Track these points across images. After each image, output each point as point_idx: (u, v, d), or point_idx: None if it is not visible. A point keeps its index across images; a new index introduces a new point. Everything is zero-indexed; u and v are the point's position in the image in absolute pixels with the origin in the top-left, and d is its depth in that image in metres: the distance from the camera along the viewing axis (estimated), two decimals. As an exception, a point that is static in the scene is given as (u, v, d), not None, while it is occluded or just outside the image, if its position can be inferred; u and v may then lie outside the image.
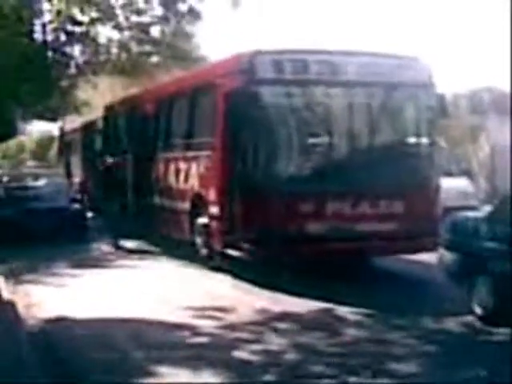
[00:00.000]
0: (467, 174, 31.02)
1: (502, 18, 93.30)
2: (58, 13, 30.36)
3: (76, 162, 35.13)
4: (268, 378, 8.91)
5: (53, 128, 62.29)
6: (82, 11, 30.95)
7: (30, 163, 61.54)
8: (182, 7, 30.57)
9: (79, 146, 36.09)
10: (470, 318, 11.34)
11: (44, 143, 63.87)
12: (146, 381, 8.81)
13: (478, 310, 11.31)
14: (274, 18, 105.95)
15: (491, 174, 35.00)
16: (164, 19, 31.65)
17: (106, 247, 21.04)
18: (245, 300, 13.24)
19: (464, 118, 37.46)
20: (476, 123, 38.20)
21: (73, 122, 44.93)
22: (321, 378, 8.76)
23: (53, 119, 50.70)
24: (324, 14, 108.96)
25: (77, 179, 33.66)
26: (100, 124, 29.84)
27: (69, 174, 34.39)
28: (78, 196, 25.25)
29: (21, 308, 12.36)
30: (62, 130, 43.72)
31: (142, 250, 20.35)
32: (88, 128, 34.85)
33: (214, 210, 16.00)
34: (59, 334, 11.03)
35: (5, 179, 26.48)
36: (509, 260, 10.67)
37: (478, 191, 30.48)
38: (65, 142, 39.71)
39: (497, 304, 10.96)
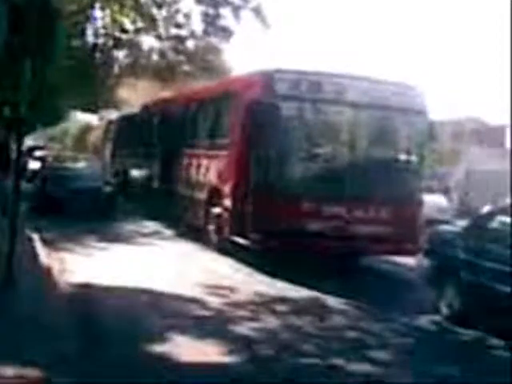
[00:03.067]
0: (445, 191, 31.03)
1: (485, 52, 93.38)
2: (114, 21, 30.45)
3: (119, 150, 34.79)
4: (262, 352, 8.89)
5: (92, 118, 62.34)
6: (131, 21, 31.05)
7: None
8: (217, 25, 30.77)
9: (115, 136, 35.99)
10: (437, 317, 11.31)
11: (84, 130, 63.82)
12: (155, 343, 8.79)
13: (445, 311, 11.29)
14: (295, 39, 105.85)
15: (465, 194, 35.05)
16: (202, 34, 31.83)
17: (131, 226, 20.97)
18: (247, 282, 13.23)
19: (446, 142, 37.54)
20: (456, 147, 38.30)
21: (111, 115, 45.00)
22: (309, 356, 8.75)
23: (94, 111, 50.98)
24: (335, 39, 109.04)
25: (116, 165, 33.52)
26: (136, 119, 29.84)
27: (114, 160, 34.24)
28: (112, 180, 25.18)
29: (55, 272, 12.34)
30: (108, 120, 43.70)
31: (162, 231, 20.29)
32: (124, 121, 34.78)
33: (228, 202, 16.00)
34: (87, 298, 11.01)
35: (49, 159, 26.45)
36: (474, 270, 10.68)
37: (452, 207, 30.50)
38: (107, 132, 39.64)
39: (461, 307, 10.96)
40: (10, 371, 6.70)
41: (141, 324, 9.69)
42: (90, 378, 6.86)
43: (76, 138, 71.65)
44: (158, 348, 8.59)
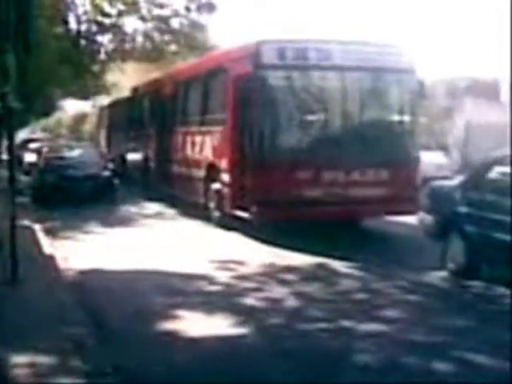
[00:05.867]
0: (443, 148, 31.03)
1: (477, 12, 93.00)
2: (95, 6, 30.41)
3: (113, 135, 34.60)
4: (272, 320, 8.95)
5: (85, 106, 62.26)
6: (111, 4, 30.98)
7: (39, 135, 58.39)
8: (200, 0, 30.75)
9: (108, 121, 35.97)
10: (443, 273, 11.36)
11: (78, 119, 63.65)
12: (164, 321, 8.85)
13: (452, 266, 11.33)
14: (276, 11, 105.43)
15: (465, 148, 35.03)
16: (184, 11, 31.75)
17: (132, 209, 21.01)
18: (251, 255, 13.24)
19: (441, 100, 37.50)
20: (451, 105, 38.24)
21: (103, 100, 44.98)
22: (318, 321, 8.80)
23: (85, 98, 50.99)
24: (318, 5, 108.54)
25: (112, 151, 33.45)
26: (127, 103, 29.85)
27: (109, 146, 34.19)
28: (109, 164, 25.13)
29: (59, 260, 12.36)
30: (100, 107, 43.65)
31: (163, 211, 20.34)
32: (115, 106, 34.79)
33: (226, 177, 16.03)
34: (92, 282, 11.06)
35: (45, 150, 26.33)
36: (478, 222, 10.72)
37: (452, 163, 30.49)
38: (100, 118, 39.57)
39: (467, 260, 11.00)
40: (22, 359, 6.76)
41: (149, 304, 9.72)
42: (103, 360, 6.92)
43: (70, 127, 71.59)
44: (168, 325, 8.65)
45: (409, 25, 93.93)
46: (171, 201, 20.95)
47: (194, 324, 8.66)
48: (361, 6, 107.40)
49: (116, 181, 23.65)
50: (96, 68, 35.79)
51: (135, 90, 28.51)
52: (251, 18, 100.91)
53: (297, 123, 14.91)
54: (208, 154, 17.49)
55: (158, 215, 19.63)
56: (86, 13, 31.65)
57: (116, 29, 33.20)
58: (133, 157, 26.86)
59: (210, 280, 11.14)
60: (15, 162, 11.25)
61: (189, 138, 19.27)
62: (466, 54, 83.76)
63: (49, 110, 46.58)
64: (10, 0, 9.78)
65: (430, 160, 23.23)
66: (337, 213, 14.64)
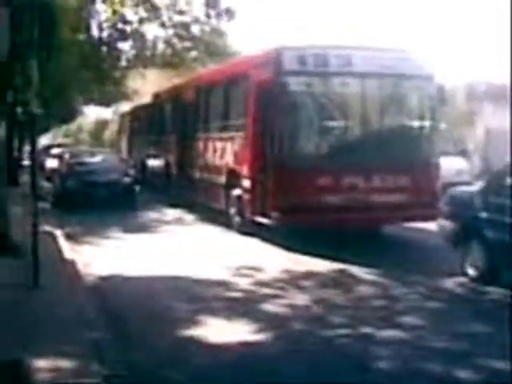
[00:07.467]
0: (463, 153, 30.85)
1: (494, 17, 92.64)
2: (114, 12, 30.52)
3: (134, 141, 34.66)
4: (293, 327, 8.93)
5: (107, 112, 62.54)
6: (135, 12, 31.13)
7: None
8: (219, 6, 30.75)
9: (129, 128, 36.09)
10: (463, 279, 11.32)
11: (99, 125, 63.96)
12: (187, 326, 8.84)
13: (471, 272, 11.29)
14: (295, 16, 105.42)
15: (485, 154, 34.84)
16: (205, 17, 31.79)
17: (152, 215, 21.05)
18: (272, 261, 13.24)
19: (461, 106, 37.33)
20: (471, 110, 38.05)
21: (124, 107, 45.18)
22: (339, 327, 8.78)
23: (107, 104, 51.20)
24: (337, 11, 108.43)
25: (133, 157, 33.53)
26: (148, 109, 29.95)
27: (130, 152, 34.28)
28: (130, 170, 25.18)
29: (80, 266, 12.40)
30: (121, 113, 43.79)
31: (184, 217, 20.37)
32: (137, 112, 34.90)
33: (247, 183, 16.04)
34: (112, 288, 11.09)
35: (66, 156, 26.40)
36: (498, 228, 10.66)
37: (472, 169, 30.31)
38: (121, 125, 39.71)
39: (487, 267, 10.95)
40: (43, 363, 6.79)
41: (169, 310, 9.74)
42: (124, 364, 6.94)
43: (92, 133, 71.96)
44: (190, 331, 8.64)
45: (427, 30, 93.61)
46: (192, 206, 20.98)
47: (216, 329, 8.68)
48: (380, 13, 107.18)
49: (137, 187, 23.73)
50: (117, 74, 35.95)
51: (156, 96, 28.63)
52: (271, 23, 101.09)
53: (317, 129, 14.92)
54: (229, 159, 17.51)
55: (178, 221, 19.66)
56: (107, 20, 31.79)
57: (137, 35, 33.32)
58: (154, 163, 26.95)
59: (230, 286, 11.14)
60: (37, 167, 11.32)
61: (210, 144, 19.31)
62: (484, 58, 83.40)
63: (70, 116, 46.81)
64: (34, 7, 9.87)
65: (450, 165, 23.12)
66: (357, 219, 14.61)
